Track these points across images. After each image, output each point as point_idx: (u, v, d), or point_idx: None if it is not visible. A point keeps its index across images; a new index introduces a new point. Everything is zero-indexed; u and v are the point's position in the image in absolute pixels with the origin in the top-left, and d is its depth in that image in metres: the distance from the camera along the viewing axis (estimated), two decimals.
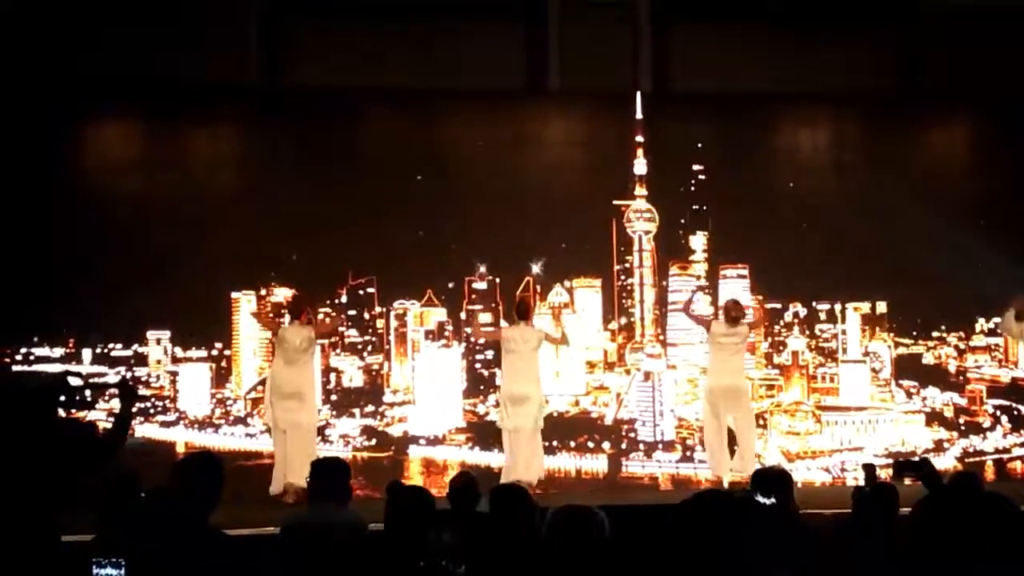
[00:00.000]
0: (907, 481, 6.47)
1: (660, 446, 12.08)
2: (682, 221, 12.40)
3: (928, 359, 12.45)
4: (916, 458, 7.56)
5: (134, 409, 5.68)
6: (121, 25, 11.38)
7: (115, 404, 5.73)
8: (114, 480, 5.88)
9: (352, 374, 12.00)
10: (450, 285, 12.08)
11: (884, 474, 8.14)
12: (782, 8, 12.23)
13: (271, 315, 11.30)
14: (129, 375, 11.11)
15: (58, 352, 11.47)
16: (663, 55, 12.52)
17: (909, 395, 12.39)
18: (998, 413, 12.32)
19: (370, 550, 5.70)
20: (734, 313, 10.64)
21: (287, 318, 10.50)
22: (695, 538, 3.87)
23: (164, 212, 11.52)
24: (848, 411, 12.21)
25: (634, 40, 12.48)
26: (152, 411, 11.58)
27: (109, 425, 5.44)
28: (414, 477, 11.57)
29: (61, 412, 5.23)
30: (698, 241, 12.36)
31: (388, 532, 5.63)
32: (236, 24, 11.97)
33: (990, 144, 12.66)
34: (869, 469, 7.34)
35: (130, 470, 6.24)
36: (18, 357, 11.44)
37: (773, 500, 5.98)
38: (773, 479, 6.56)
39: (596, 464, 12.02)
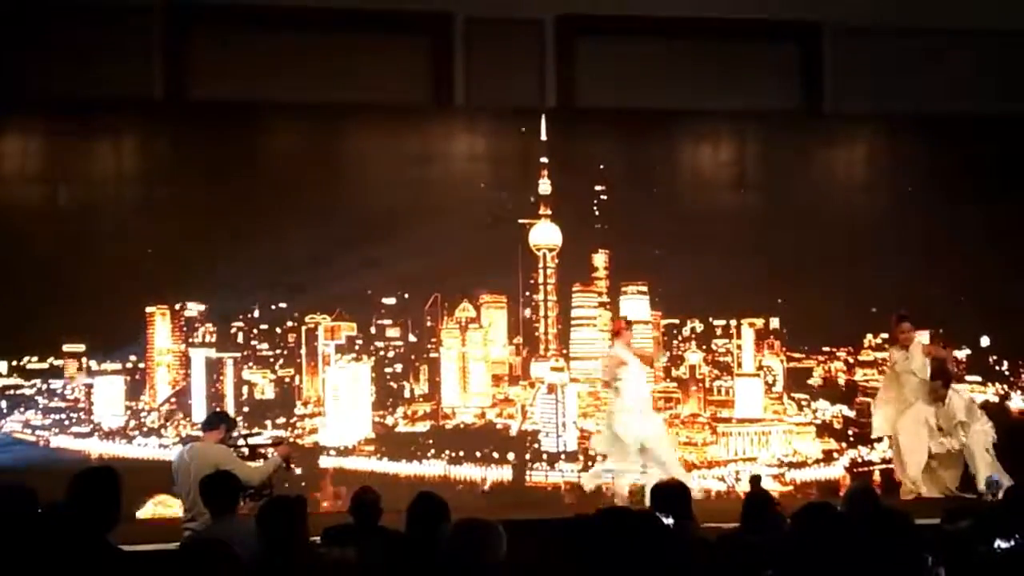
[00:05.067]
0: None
1: (563, 456, 12.36)
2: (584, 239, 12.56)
3: (819, 373, 12.89)
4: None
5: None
6: (25, 39, 11.32)
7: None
8: (6, 495, 5.76)
9: (264, 386, 12.12)
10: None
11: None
12: (685, 27, 12.51)
13: None
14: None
15: None
16: (568, 72, 12.63)
17: (800, 407, 12.80)
18: None
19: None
20: (908, 323, 11.18)
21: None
22: (595, 554, 4.08)
23: (73, 226, 11.52)
24: (743, 423, 12.56)
25: (539, 56, 12.63)
26: (67, 422, 11.65)
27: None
28: (323, 487, 11.72)
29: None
30: (600, 259, 12.63)
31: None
32: (140, 38, 11.88)
33: (887, 164, 12.99)
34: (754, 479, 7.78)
35: (24, 485, 6.19)
36: None
37: (672, 519, 6.15)
38: (672, 496, 6.71)
39: (501, 474, 12.27)
